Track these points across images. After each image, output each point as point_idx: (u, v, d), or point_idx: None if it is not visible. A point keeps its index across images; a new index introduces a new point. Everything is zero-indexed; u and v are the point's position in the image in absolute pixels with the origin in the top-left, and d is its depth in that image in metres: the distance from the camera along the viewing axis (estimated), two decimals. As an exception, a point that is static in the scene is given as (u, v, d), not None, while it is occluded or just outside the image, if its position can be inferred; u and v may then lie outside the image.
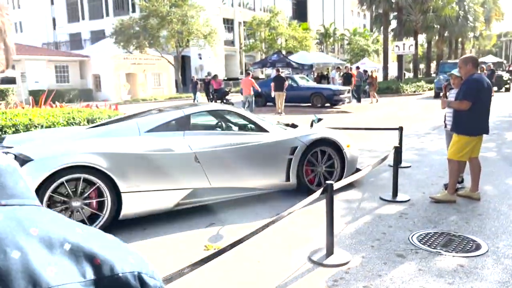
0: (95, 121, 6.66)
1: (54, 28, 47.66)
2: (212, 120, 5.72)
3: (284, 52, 37.66)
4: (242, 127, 5.49)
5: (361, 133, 9.72)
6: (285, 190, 5.41)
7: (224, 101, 19.54)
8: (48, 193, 3.92)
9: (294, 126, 6.16)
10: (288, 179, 5.27)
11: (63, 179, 3.97)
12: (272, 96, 17.13)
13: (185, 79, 42.69)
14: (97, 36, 42.57)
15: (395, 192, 5.24)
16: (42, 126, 6.24)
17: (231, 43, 44.21)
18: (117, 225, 4.39)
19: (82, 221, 4.13)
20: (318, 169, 5.53)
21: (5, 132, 5.81)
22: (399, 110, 17.21)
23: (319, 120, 5.83)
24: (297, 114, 16.71)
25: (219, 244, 3.96)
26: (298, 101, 19.06)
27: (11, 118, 6.16)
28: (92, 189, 4.17)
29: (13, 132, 5.89)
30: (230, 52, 43.35)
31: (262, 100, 19.43)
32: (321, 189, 3.60)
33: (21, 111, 7.25)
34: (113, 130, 4.72)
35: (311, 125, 5.78)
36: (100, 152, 4.16)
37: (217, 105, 5.32)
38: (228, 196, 4.95)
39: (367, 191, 5.60)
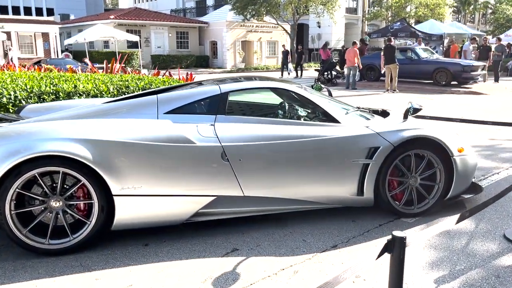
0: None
1: (184, -5, 49.34)
2: (258, 102, 4.31)
3: (413, 21, 33.68)
4: (302, 114, 4.00)
5: (488, 128, 7.40)
6: (355, 207, 3.84)
7: (332, 74, 17.68)
8: (14, 189, 2.98)
9: (384, 113, 4.45)
10: (361, 192, 3.68)
11: (33, 172, 2.98)
12: (382, 71, 14.84)
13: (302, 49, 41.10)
14: (220, 3, 42.85)
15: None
16: (88, 95, 5.48)
17: (354, 11, 41.09)
18: (110, 237, 3.34)
19: (63, 229, 3.15)
20: (409, 181, 3.82)
21: (43, 99, 5.15)
22: (551, 94, 13.65)
23: (416, 110, 4.02)
24: (412, 93, 14.26)
25: (226, 291, 2.66)
26: (418, 77, 16.39)
27: (56, 84, 5.50)
28: (77, 187, 3.14)
29: (52, 100, 5.20)
30: (351, 21, 40.36)
31: (375, 74, 17.15)
32: (384, 244, 2.03)
33: (71, 76, 6.63)
34: (125, 108, 3.62)
35: (405, 116, 4.03)
36: (86, 139, 3.08)
37: (270, 82, 3.86)
38: (266, 210, 3.58)
39: (482, 222, 3.74)
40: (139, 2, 52.45)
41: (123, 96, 4.29)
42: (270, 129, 3.54)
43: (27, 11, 44.82)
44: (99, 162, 3.06)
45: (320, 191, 3.63)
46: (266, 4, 30.72)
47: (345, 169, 3.64)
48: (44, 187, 3.08)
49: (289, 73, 23.37)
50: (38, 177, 3.03)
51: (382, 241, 3.13)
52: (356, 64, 15.64)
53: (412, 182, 3.82)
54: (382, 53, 15.02)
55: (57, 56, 28.69)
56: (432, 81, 15.85)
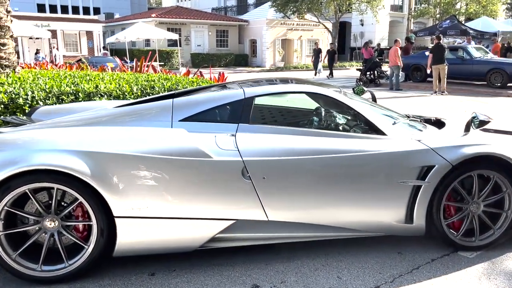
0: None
1: (225, -6, 49.29)
2: (289, 107, 3.76)
3: (463, 18, 31.92)
4: (340, 124, 3.41)
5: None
6: (401, 237, 3.22)
7: (374, 74, 16.79)
8: (2, 207, 2.59)
9: (439, 123, 3.79)
10: (409, 218, 3.07)
11: (23, 188, 2.58)
12: (428, 71, 13.83)
13: (343, 48, 40.00)
14: (261, 1, 42.42)
15: None
16: (110, 95, 5.12)
17: (399, 8, 39.52)
18: (111, 264, 2.90)
19: (57, 254, 2.73)
20: (470, 207, 3.16)
21: (62, 101, 4.83)
22: None
23: (483, 123, 3.33)
24: (463, 95, 13.20)
25: None
26: (470, 78, 15.23)
27: (77, 84, 5.17)
28: (74, 205, 2.72)
29: (71, 101, 4.87)
30: (396, 18, 38.84)
31: (421, 74, 16.12)
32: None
33: (95, 74, 6.31)
34: (137, 114, 3.17)
35: (467, 128, 3.36)
36: (84, 151, 2.64)
37: (304, 85, 3.29)
38: (293, 237, 3.02)
39: None
40: (181, 1, 52.91)
41: (138, 100, 3.87)
42: (301, 142, 2.98)
43: (75, 10, 46.17)
44: (99, 178, 2.62)
45: (360, 217, 3.04)
46: (308, 2, 29.98)
47: (391, 191, 3.03)
48: (37, 205, 2.68)
49: (317, 73, 22.01)
50: (30, 194, 2.63)
51: (436, 283, 2.52)
52: (399, 64, 14.74)
53: (474, 209, 3.16)
54: (429, 52, 14.03)
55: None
56: (485, 83, 14.67)
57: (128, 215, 2.70)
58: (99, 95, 5.05)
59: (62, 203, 2.79)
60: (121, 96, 5.18)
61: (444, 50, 13.49)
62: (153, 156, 2.73)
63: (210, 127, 3.05)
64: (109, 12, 43.15)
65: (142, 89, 5.40)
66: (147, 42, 32.11)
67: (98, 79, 5.64)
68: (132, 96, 5.24)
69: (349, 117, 3.38)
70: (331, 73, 21.32)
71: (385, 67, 18.74)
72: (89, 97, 5.00)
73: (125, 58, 21.88)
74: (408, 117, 3.66)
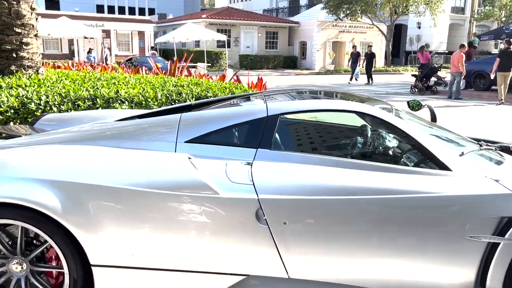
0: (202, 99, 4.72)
1: (278, -5, 48.75)
2: (325, 128, 3.04)
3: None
4: (390, 154, 2.67)
5: None
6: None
7: (431, 81, 15.53)
8: (-46, 246, 2.10)
9: (520, 153, 2.95)
10: (481, 284, 2.29)
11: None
12: (492, 76, 12.57)
13: (398, 51, 38.22)
14: (313, 2, 41.50)
15: None
16: (131, 102, 4.64)
17: (461, 10, 37.21)
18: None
19: (23, 303, 2.21)
20: None
21: (78, 107, 4.39)
22: None
23: None
24: (536, 108, 11.77)
25: None
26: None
27: (97, 88, 4.74)
28: (44, 246, 2.19)
29: (88, 107, 4.43)
30: (457, 21, 36.59)
31: (485, 82, 14.71)
32: None
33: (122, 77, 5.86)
34: (137, 131, 2.61)
35: None
36: (55, 181, 2.10)
37: (343, 103, 2.51)
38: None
39: None
40: (233, 2, 52.94)
41: (149, 111, 3.31)
42: (338, 176, 2.29)
43: (131, 11, 47.40)
44: (73, 216, 2.07)
45: (412, 279, 2.30)
46: (362, 3, 28.78)
47: (456, 248, 2.26)
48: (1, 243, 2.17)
49: (356, 79, 20.57)
50: (-9, 231, 2.12)
51: None
52: (461, 71, 13.50)
53: None
54: (497, 58, 12.73)
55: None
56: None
57: (108, 264, 2.13)
58: (119, 101, 4.58)
59: (35, 242, 2.27)
60: (143, 102, 4.69)
61: None
62: (144, 190, 2.14)
63: (221, 151, 2.43)
64: (162, 13, 43.89)
65: (167, 95, 4.88)
66: (197, 43, 32.16)
67: (122, 83, 5.19)
68: (156, 103, 4.73)
69: (402, 144, 2.64)
70: (370, 79, 19.90)
71: (443, 73, 17.40)
72: (108, 103, 4.54)
73: (173, 58, 21.87)
74: (480, 144, 2.85)
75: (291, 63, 33.02)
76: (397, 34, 36.37)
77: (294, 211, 2.20)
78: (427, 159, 2.45)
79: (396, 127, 2.50)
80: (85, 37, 25.05)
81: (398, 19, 31.41)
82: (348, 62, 21.61)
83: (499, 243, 2.22)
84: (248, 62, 30.45)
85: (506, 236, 2.21)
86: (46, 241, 2.15)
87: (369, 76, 19.86)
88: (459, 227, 2.24)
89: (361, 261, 2.26)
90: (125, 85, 5.01)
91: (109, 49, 27.21)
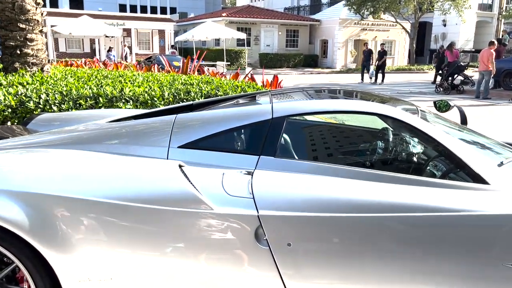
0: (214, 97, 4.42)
1: (299, -8, 48.15)
2: (340, 132, 2.68)
3: None
4: (415, 163, 2.32)
5: None
6: None
7: (458, 80, 14.89)
8: None
9: None
10: (522, 320, 1.92)
11: None
12: None
13: (423, 50, 37.24)
14: (335, 0, 40.85)
15: None
16: (137, 101, 4.38)
17: (488, 7, 36.00)
18: None
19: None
20: None
21: (79, 105, 4.15)
22: None
23: None
24: None
25: None
26: None
27: (101, 86, 4.50)
28: (12, 266, 1.92)
29: (90, 106, 4.19)
30: (485, 18, 35.41)
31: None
32: None
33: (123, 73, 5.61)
34: (129, 135, 2.33)
35: None
36: (21, 192, 1.83)
37: (362, 103, 2.14)
38: None
39: None
40: (254, 1, 52.64)
41: (145, 111, 3.02)
42: (352, 189, 1.95)
43: (153, 10, 47.64)
44: (42, 233, 1.80)
45: (440, 312, 1.94)
46: (386, 0, 28.06)
47: (493, 277, 1.90)
48: (-38, 263, 1.91)
49: (371, 77, 19.57)
50: (-48, 248, 1.87)
51: None
52: (491, 69, 12.87)
53: None
54: None
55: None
56: None
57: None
58: (123, 100, 4.33)
59: (6, 260, 2.01)
60: (149, 102, 4.42)
61: None
62: (126, 204, 1.85)
63: (218, 159, 2.12)
64: (183, 12, 43.96)
65: (175, 93, 4.60)
66: (217, 41, 31.99)
67: (129, 81, 4.94)
68: (162, 103, 4.46)
69: (429, 152, 2.28)
70: (382, 77, 18.96)
71: (469, 72, 16.71)
72: (111, 102, 4.29)
73: (192, 57, 21.73)
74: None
75: (311, 61, 32.53)
76: (422, 32, 35.42)
77: (301, 230, 1.88)
78: (459, 170, 2.09)
79: (421, 131, 2.14)
80: (106, 36, 25.18)
81: (422, 16, 30.54)
82: (362, 61, 20.71)
83: (547, 273, 1.84)
84: (268, 61, 30.12)
85: (556, 265, 1.83)
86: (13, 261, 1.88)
87: (383, 74, 19.08)
88: (497, 252, 1.87)
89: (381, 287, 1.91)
90: (131, 84, 4.76)
91: (129, 47, 27.29)
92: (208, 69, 9.32)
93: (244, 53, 28.95)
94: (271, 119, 2.17)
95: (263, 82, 6.39)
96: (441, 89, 14.63)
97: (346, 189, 1.94)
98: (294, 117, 2.25)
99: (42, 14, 5.05)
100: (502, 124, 8.68)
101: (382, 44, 19.80)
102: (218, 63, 23.52)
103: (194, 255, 1.88)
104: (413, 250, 1.89)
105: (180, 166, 2.04)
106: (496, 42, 13.56)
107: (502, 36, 19.72)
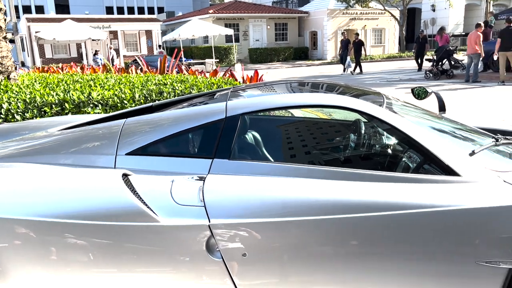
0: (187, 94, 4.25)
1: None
2: (305, 133, 2.51)
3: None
4: (385, 159, 2.16)
5: None
6: None
7: (447, 65, 14.74)
8: None
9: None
10: (502, 321, 1.77)
11: None
12: (495, 57, 12.02)
13: (413, 37, 37.05)
14: (323, -9, 40.55)
15: None
16: (106, 105, 4.20)
17: (476, -11, 35.82)
18: None
19: None
20: None
21: (44, 113, 3.97)
22: None
23: None
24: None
25: None
26: None
27: (68, 92, 4.31)
28: None
29: (56, 113, 4.02)
30: (473, 1, 35.23)
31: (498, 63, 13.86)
32: None
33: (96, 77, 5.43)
34: (78, 142, 2.16)
35: None
36: None
37: (321, 96, 1.97)
38: None
39: None
40: (242, -4, 52.20)
41: (102, 116, 2.84)
42: (315, 190, 1.79)
43: (141, 11, 47.25)
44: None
45: (413, 318, 1.80)
46: (372, -12, 27.89)
47: (467, 277, 1.75)
48: None
49: (345, 69, 18.79)
50: None
51: None
52: (479, 52, 12.74)
53: None
54: (498, 37, 12.26)
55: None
56: None
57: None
58: (91, 105, 4.15)
59: None
60: (119, 105, 4.25)
61: None
62: (65, 221, 1.69)
63: (168, 165, 1.96)
64: (171, 11, 43.61)
65: (147, 95, 4.43)
66: (205, 39, 31.73)
67: (99, 84, 4.76)
68: (133, 105, 4.29)
69: (400, 145, 2.13)
70: (359, 68, 18.33)
71: (460, 56, 16.57)
72: (78, 107, 4.12)
73: (181, 56, 21.49)
74: (496, 139, 2.30)
75: (302, 54, 32.34)
76: (411, 18, 35.28)
77: (257, 238, 1.72)
78: (429, 162, 1.94)
79: (387, 123, 1.98)
80: (93, 40, 24.90)
81: (411, 2, 30.40)
82: (339, 51, 20.03)
83: (526, 271, 1.70)
84: (258, 56, 29.90)
85: (534, 261, 1.68)
86: None
87: (359, 65, 18.42)
88: (469, 249, 1.73)
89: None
90: (100, 87, 4.58)
91: (116, 50, 26.99)
92: (187, 66, 9.10)
93: (234, 49, 28.72)
94: (224, 118, 2.01)
95: (243, 78, 6.22)
96: (431, 74, 14.48)
97: (307, 190, 1.78)
98: (251, 115, 2.08)
99: (5, 20, 4.85)
100: (489, 107, 8.55)
101: (356, 34, 19.28)
102: (207, 60, 23.30)
103: (143, 272, 1.72)
104: (380, 250, 1.74)
105: (126, 175, 1.88)
106: (482, 25, 13.42)
107: (489, 18, 19.56)
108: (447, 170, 1.87)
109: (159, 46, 29.20)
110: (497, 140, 2.22)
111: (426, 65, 16.42)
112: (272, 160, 2.11)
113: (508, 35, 11.91)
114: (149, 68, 7.89)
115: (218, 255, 1.71)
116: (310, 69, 23.64)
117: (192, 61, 23.13)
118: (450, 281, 1.75)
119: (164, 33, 33.72)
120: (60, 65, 7.95)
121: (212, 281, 1.73)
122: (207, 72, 8.60)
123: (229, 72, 6.46)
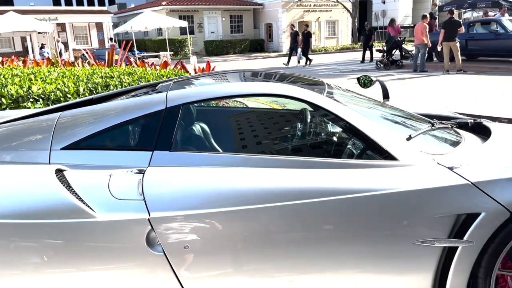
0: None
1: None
2: (249, 121, 2.51)
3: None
4: (322, 144, 2.20)
5: None
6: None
7: (397, 56, 15.21)
8: None
9: (481, 129, 2.52)
10: (438, 297, 1.85)
11: None
12: (439, 48, 12.65)
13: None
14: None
15: None
16: (48, 99, 4.01)
17: (424, -18, 37.11)
18: None
19: None
20: (540, 276, 1.91)
21: (23, 105, 3.75)
22: None
23: None
24: (499, 75, 11.57)
25: None
26: (506, 55, 13.54)
27: (5, 86, 4.09)
28: None
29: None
30: (421, -6, 36.50)
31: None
32: None
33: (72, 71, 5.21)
34: (12, 137, 2.05)
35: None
36: None
37: (260, 85, 1.96)
38: None
39: None
40: (196, -13, 51.42)
41: (37, 110, 2.72)
42: (257, 179, 1.79)
43: (91, 2, 45.54)
44: None
45: (355, 299, 1.84)
46: (324, -20, 28.26)
47: (404, 257, 1.81)
48: None
49: (299, 61, 18.77)
50: None
51: None
52: (426, 42, 13.23)
53: (547, 280, 1.91)
54: (441, 28, 12.90)
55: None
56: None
57: None
58: (31, 99, 3.96)
59: None
60: (62, 99, 4.08)
61: (457, 26, 12.29)
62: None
63: (106, 158, 1.89)
64: (122, 3, 42.33)
65: (92, 88, 4.28)
66: (159, 31, 31.07)
67: (40, 78, 4.55)
68: (78, 99, 4.12)
69: (342, 132, 2.16)
70: (307, 60, 18.31)
71: (409, 47, 17.14)
72: (17, 102, 3.91)
73: (134, 49, 20.92)
74: (432, 124, 2.38)
75: (258, 46, 32.37)
76: (363, 10, 36.09)
77: (199, 230, 1.70)
78: (369, 148, 1.98)
79: (327, 110, 2.01)
80: (39, 32, 23.76)
81: (362, -6, 31.08)
82: (290, 44, 19.94)
83: (457, 248, 1.77)
84: (214, 48, 29.65)
85: (464, 238, 1.76)
86: None
87: (306, 57, 18.42)
88: (406, 231, 1.78)
89: (295, 278, 1.78)
90: (42, 81, 4.38)
91: (64, 43, 25.93)
92: (134, 59, 8.88)
93: (189, 41, 28.33)
94: (164, 109, 1.96)
95: (195, 70, 6.14)
96: (382, 65, 14.89)
97: (251, 179, 1.77)
98: (192, 105, 2.05)
99: None
100: (434, 95, 8.91)
101: (306, 26, 19.20)
102: (161, 53, 22.83)
103: (83, 270, 1.66)
104: (323, 235, 1.76)
105: (61, 171, 1.80)
106: (428, 16, 13.93)
107: (433, 9, 20.36)
108: (386, 155, 1.92)
109: (111, 39, 28.31)
110: (433, 125, 2.31)
111: (377, 55, 16.87)
112: (217, 150, 2.08)
113: (450, 26, 12.45)
114: (97, 61, 7.62)
115: (159, 248, 1.68)
116: (266, 61, 23.72)
117: (145, 54, 22.61)
118: (389, 262, 1.80)
119: (116, 25, 32.70)
120: (0, 59, 7.52)
121: (155, 275, 1.69)
122: (158, 65, 8.42)
123: (180, 64, 6.35)
